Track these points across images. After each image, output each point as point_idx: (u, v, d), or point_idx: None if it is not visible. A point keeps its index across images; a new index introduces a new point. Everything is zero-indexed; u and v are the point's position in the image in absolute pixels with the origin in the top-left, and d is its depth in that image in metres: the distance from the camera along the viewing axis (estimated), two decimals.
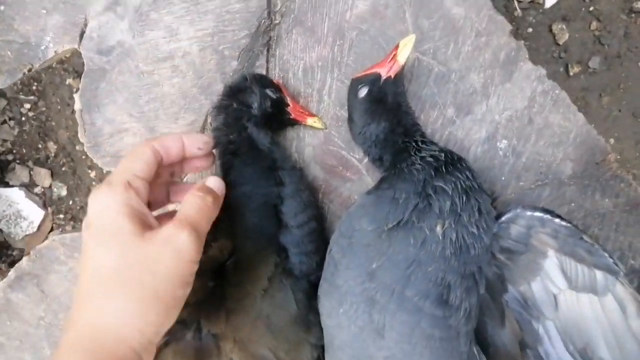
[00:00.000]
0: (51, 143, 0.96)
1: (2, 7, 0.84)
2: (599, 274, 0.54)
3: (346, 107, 0.69)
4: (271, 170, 0.65)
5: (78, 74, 0.92)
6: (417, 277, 0.56)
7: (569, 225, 0.56)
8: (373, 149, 0.66)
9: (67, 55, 0.90)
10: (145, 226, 0.48)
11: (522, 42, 0.69)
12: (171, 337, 0.58)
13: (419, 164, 0.60)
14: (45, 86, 0.95)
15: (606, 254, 0.55)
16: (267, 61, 0.76)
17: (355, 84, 0.67)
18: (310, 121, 0.71)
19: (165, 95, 0.77)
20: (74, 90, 0.93)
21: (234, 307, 0.58)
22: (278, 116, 0.70)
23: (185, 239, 0.48)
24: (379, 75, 0.65)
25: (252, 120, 0.66)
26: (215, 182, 0.59)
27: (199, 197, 0.53)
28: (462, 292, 0.56)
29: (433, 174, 0.59)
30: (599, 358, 0.54)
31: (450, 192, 0.57)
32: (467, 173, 0.60)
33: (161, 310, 0.46)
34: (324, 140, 0.74)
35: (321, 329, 0.62)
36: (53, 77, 0.94)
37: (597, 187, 0.67)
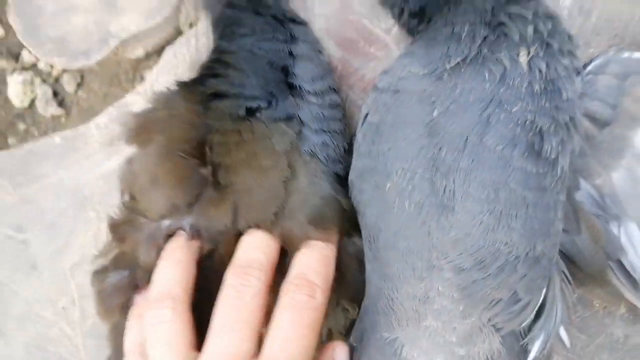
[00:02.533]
0: None
1: None
2: None
3: None
4: (279, 21, 0.52)
5: None
6: (499, 119, 0.41)
7: None
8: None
9: None
10: None
11: None
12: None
13: None
14: None
15: None
16: None
17: None
18: None
19: None
20: None
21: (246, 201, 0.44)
22: None
23: None
24: None
25: None
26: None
27: None
28: (557, 143, 0.42)
29: (503, 0, 0.46)
30: None
31: (530, 18, 0.44)
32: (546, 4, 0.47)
33: None
34: (340, 6, 0.59)
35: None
36: None
37: None
